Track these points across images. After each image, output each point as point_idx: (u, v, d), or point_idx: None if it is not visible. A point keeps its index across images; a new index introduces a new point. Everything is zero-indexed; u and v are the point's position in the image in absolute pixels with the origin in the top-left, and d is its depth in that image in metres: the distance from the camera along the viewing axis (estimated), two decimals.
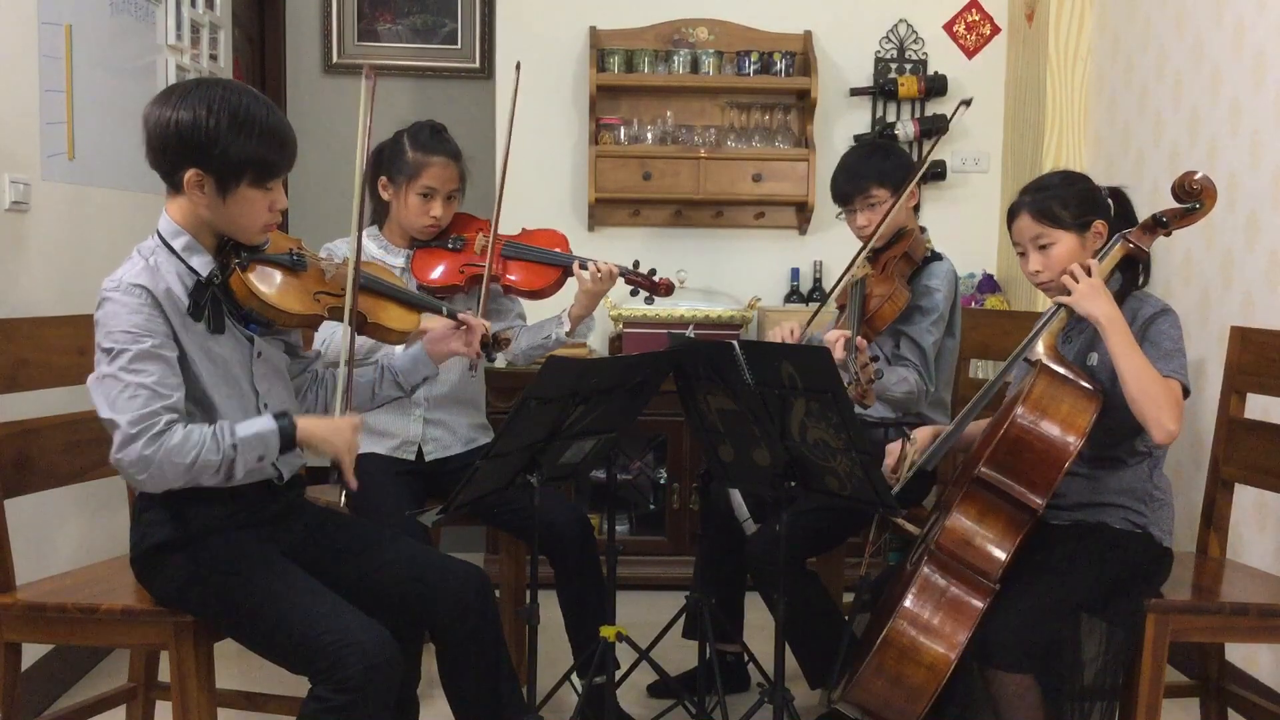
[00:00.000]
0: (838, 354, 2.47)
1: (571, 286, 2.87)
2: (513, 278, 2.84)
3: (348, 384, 2.19)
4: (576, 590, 2.78)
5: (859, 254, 2.87)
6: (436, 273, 2.84)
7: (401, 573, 2.21)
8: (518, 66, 2.86)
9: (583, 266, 2.82)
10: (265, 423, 2.01)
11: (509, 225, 2.93)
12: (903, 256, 2.83)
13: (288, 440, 2.02)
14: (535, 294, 2.87)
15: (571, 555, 2.75)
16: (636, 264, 2.92)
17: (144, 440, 1.89)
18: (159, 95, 2.03)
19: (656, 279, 2.88)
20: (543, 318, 2.97)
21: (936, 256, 2.93)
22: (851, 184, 2.93)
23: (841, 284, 2.91)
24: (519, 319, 3.01)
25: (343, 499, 2.19)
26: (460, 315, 2.39)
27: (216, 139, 1.95)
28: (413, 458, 2.88)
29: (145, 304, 1.95)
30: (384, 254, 2.87)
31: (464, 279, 2.83)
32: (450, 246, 2.86)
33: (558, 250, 2.89)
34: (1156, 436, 2.21)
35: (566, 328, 2.88)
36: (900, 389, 2.81)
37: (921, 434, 2.57)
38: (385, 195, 2.85)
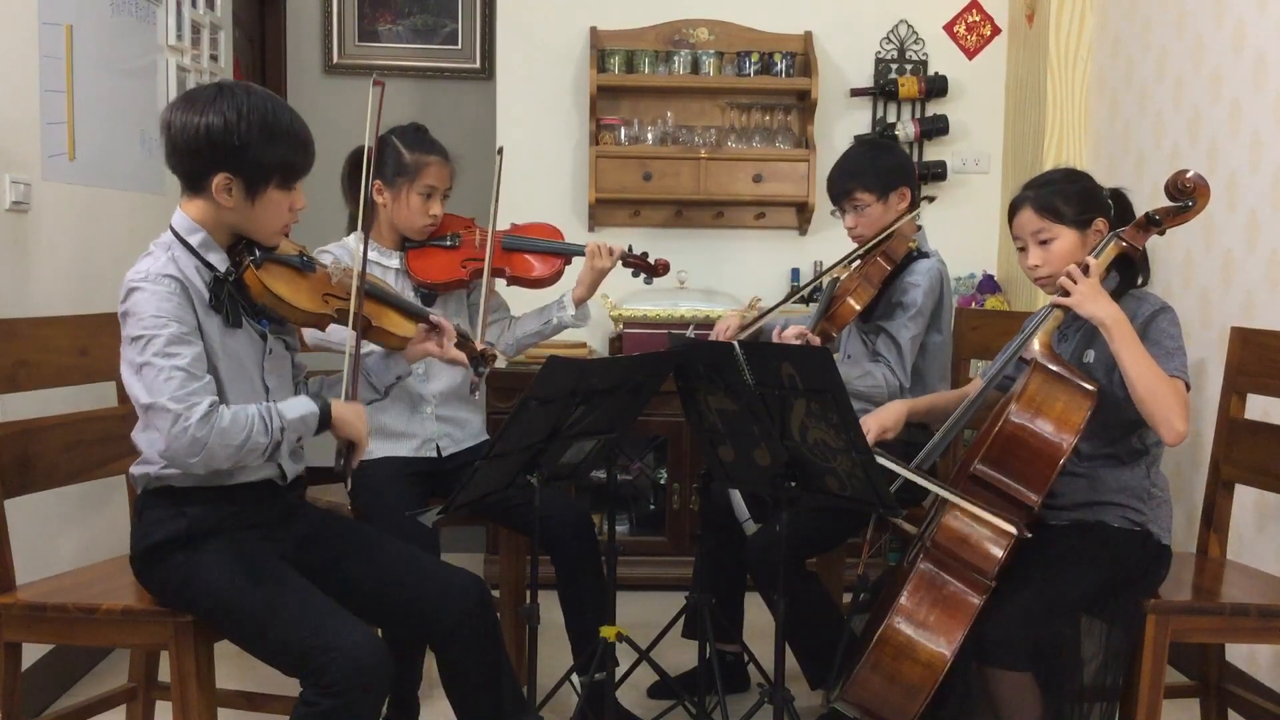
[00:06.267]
0: None
1: (568, 279, 2.95)
2: (516, 269, 2.92)
3: (352, 386, 2.19)
4: (576, 587, 2.78)
5: (842, 260, 2.92)
6: (439, 269, 2.87)
7: (400, 579, 2.21)
8: (499, 150, 2.98)
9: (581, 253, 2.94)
10: (307, 404, 2.06)
11: (505, 224, 2.99)
12: (881, 255, 2.84)
13: (324, 423, 2.08)
14: (538, 283, 2.96)
15: (571, 551, 2.76)
16: (630, 248, 3.01)
17: (195, 422, 1.92)
18: (181, 100, 2.03)
19: (653, 260, 3.01)
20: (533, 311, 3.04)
21: (923, 255, 2.93)
22: (835, 186, 2.99)
23: (815, 283, 3.04)
24: (505, 312, 3.05)
25: (348, 485, 2.19)
26: (431, 317, 2.38)
27: (249, 144, 1.98)
28: (434, 454, 2.90)
29: (174, 293, 1.97)
30: (378, 256, 2.87)
31: (467, 273, 2.87)
32: (448, 244, 2.90)
33: (556, 240, 2.99)
34: (1166, 438, 2.21)
35: (571, 311, 2.95)
36: (863, 382, 2.85)
37: (890, 409, 2.57)
38: (380, 199, 2.85)
